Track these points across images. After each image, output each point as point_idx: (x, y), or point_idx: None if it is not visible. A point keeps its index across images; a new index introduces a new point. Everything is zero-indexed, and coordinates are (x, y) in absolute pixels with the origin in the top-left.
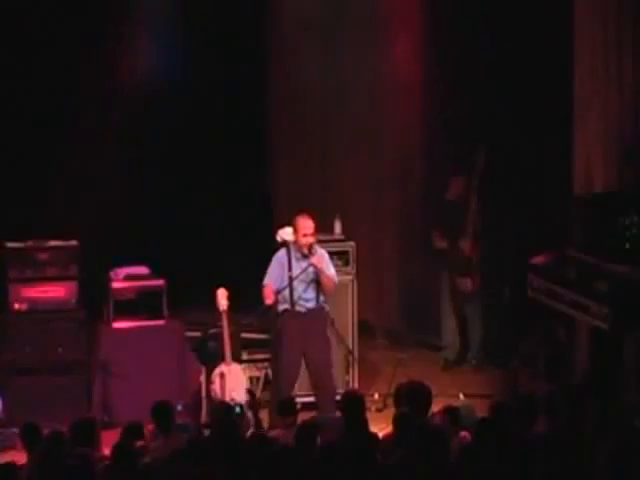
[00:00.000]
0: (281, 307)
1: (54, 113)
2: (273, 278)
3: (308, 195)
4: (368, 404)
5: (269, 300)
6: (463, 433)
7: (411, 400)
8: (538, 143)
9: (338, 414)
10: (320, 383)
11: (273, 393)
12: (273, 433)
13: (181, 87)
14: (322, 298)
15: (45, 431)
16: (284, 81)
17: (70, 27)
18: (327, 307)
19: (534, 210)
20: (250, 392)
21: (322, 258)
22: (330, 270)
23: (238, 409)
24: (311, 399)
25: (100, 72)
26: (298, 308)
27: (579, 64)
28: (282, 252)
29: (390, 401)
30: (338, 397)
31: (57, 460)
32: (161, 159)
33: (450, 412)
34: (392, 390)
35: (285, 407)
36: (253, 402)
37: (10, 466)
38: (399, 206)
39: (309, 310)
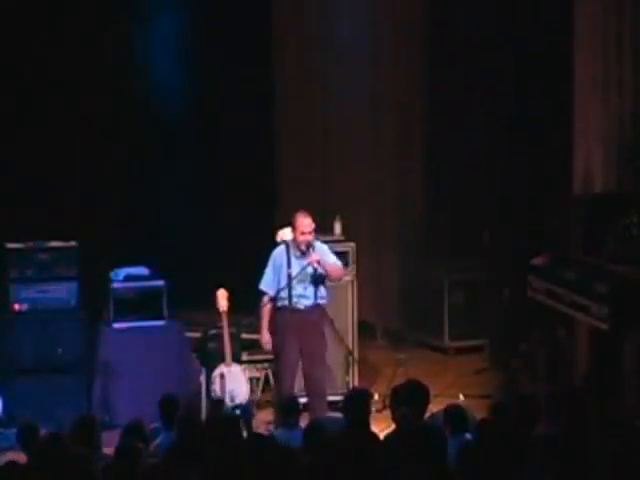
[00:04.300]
0: (279, 304)
1: (54, 113)
2: (269, 284)
3: (308, 195)
4: None
5: (264, 310)
6: (466, 435)
7: (409, 400)
8: (538, 143)
9: (332, 414)
10: (312, 382)
11: (276, 392)
12: (276, 432)
13: (182, 87)
14: (320, 294)
15: (43, 432)
16: (286, 82)
17: (70, 27)
18: (324, 302)
19: (534, 210)
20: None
21: (321, 252)
22: (331, 259)
23: (238, 410)
24: None
25: (101, 72)
26: (297, 305)
27: (579, 64)
28: (281, 250)
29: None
30: (336, 397)
31: (56, 461)
32: (162, 159)
33: (454, 414)
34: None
35: (288, 406)
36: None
37: (12, 466)
38: (399, 206)
39: (307, 307)
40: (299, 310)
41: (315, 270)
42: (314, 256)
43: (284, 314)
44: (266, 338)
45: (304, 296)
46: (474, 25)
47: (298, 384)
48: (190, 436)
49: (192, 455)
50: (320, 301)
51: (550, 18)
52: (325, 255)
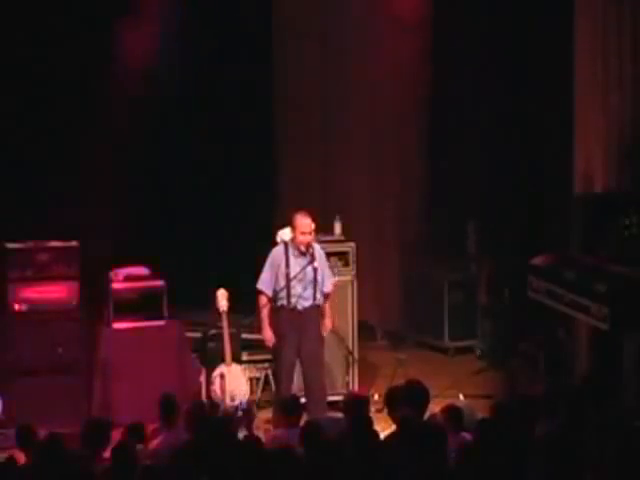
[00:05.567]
0: (278, 303)
1: (54, 113)
2: (267, 283)
3: (308, 195)
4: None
5: (265, 310)
6: (463, 434)
7: (409, 400)
8: (538, 143)
9: (331, 414)
10: (311, 382)
11: (275, 392)
12: (276, 433)
13: (183, 87)
14: (318, 296)
15: (42, 433)
16: (286, 82)
17: (70, 26)
18: (322, 301)
19: (534, 210)
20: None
21: (320, 260)
22: (326, 272)
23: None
24: None
25: (100, 72)
26: (295, 306)
27: (579, 64)
28: (279, 250)
29: None
30: (336, 397)
31: (56, 462)
32: (161, 159)
33: (452, 412)
34: None
35: (289, 406)
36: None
37: (11, 462)
38: (399, 206)
39: (305, 309)
40: (297, 311)
41: (315, 272)
42: (317, 262)
43: (282, 314)
44: (269, 335)
45: (303, 297)
46: (475, 24)
47: (297, 384)
48: (199, 436)
49: (199, 455)
50: (318, 302)
51: (550, 18)
52: (323, 265)
